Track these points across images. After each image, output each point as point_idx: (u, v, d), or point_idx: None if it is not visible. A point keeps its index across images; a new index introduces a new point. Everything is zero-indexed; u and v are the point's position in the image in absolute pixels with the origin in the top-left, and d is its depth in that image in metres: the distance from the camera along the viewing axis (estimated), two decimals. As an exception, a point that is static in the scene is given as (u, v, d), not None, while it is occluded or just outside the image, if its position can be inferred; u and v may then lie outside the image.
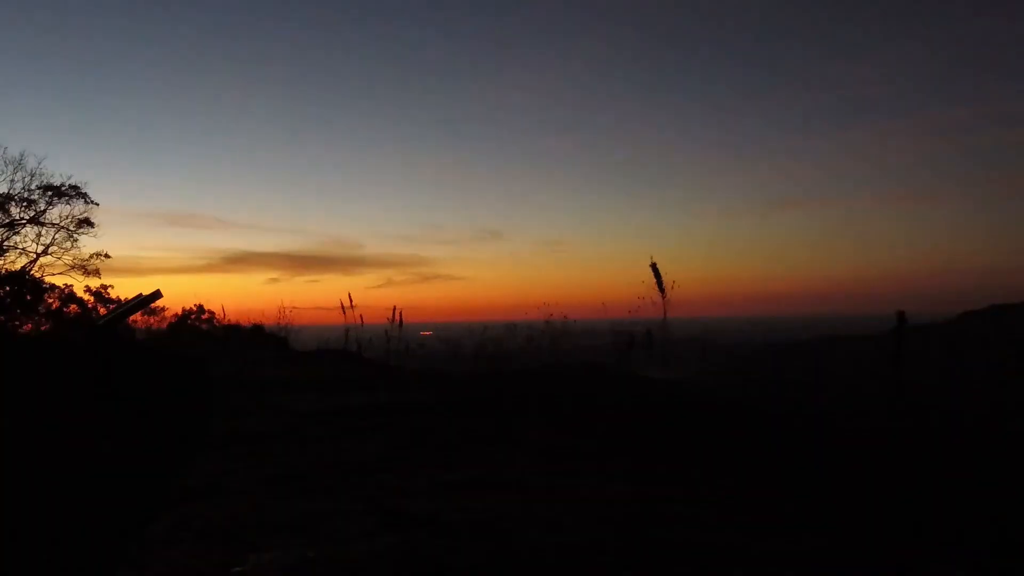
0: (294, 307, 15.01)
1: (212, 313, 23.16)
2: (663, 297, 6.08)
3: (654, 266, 6.07)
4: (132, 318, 17.11)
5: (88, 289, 21.36)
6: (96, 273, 22.43)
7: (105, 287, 21.30)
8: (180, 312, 22.68)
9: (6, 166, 22.03)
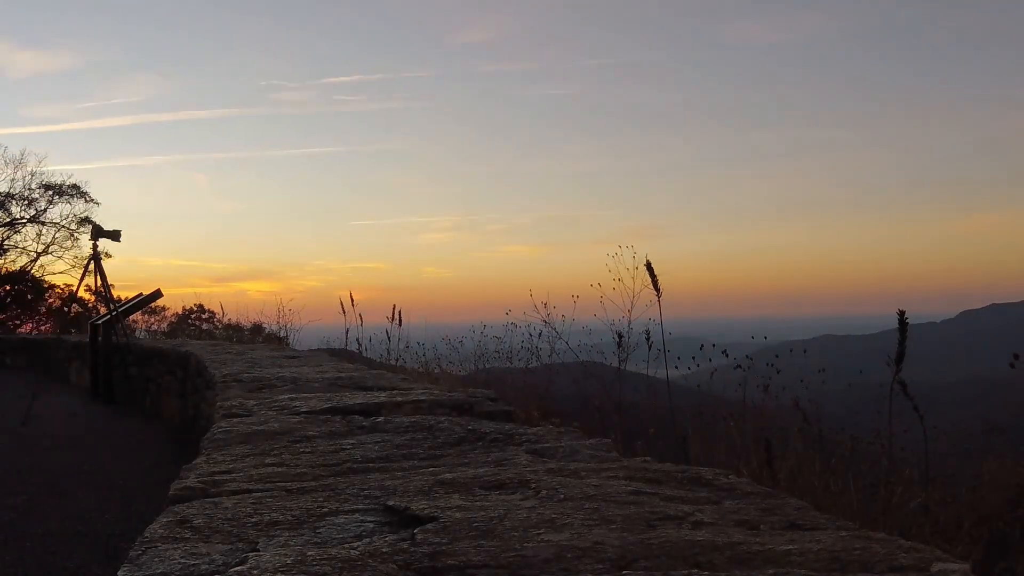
0: (291, 308, 15.00)
1: (212, 312, 23.09)
2: (659, 296, 6.15)
3: (649, 265, 6.15)
4: (132, 317, 17.10)
5: (89, 288, 21.29)
6: (97, 272, 22.33)
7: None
8: (181, 311, 22.65)
9: (6, 165, 21.72)
